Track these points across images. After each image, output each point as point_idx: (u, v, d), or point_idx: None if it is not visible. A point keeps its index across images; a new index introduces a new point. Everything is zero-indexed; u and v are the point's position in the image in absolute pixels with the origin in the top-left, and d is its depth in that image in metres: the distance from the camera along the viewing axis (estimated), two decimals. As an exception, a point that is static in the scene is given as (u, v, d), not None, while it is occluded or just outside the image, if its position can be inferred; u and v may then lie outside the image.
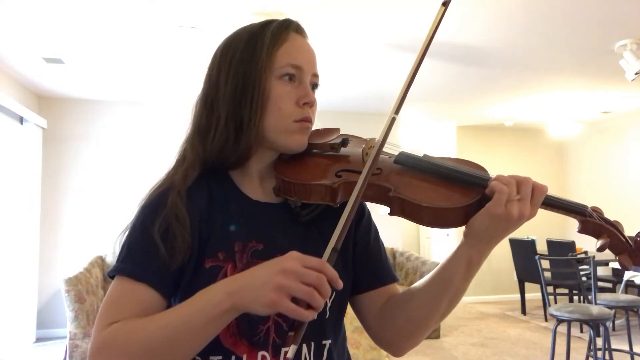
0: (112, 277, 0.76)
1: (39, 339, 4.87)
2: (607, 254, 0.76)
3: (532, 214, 0.73)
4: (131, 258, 0.75)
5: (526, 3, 2.94)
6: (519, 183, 0.73)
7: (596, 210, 0.78)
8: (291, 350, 0.61)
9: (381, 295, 0.90)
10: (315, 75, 0.86)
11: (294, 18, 0.88)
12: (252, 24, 0.86)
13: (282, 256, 0.65)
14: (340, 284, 0.64)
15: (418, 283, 0.85)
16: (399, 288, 0.91)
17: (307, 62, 0.84)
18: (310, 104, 0.83)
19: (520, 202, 0.72)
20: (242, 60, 0.82)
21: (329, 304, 0.83)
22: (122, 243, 0.77)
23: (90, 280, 4.08)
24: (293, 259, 0.64)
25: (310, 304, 0.62)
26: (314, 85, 0.86)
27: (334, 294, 0.84)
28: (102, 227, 5.11)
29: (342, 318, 0.90)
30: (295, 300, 0.62)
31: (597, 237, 0.77)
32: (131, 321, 0.70)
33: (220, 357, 0.77)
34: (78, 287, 3.78)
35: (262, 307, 0.63)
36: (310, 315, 0.62)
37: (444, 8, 0.81)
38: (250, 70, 0.81)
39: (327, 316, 0.84)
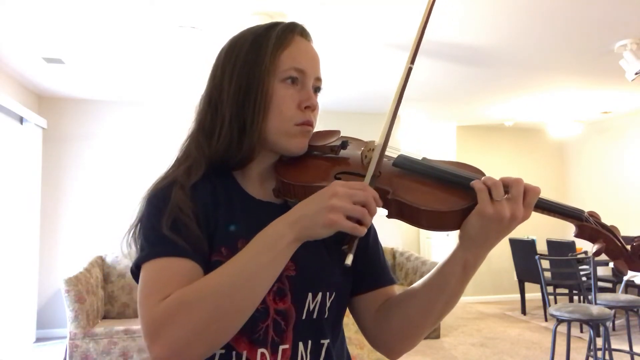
0: (138, 267, 0.74)
1: (39, 339, 4.87)
2: (606, 256, 0.76)
3: (525, 216, 0.73)
4: (159, 241, 0.74)
5: (526, 3, 2.94)
6: (508, 183, 0.72)
7: (593, 215, 0.78)
8: (349, 258, 0.68)
9: (378, 297, 0.90)
10: (318, 79, 0.86)
11: (293, 18, 0.89)
12: (257, 26, 0.87)
13: (328, 185, 0.70)
14: (380, 202, 0.70)
15: (415, 285, 0.85)
16: (398, 289, 0.91)
17: (310, 66, 0.84)
18: (312, 107, 0.84)
19: (511, 202, 0.72)
20: (246, 62, 0.82)
21: (327, 304, 0.84)
22: (141, 235, 0.76)
23: (90, 280, 4.08)
24: (339, 185, 0.69)
25: (362, 221, 0.67)
26: (317, 89, 0.87)
27: (334, 295, 0.84)
28: (102, 227, 5.11)
29: (341, 319, 0.90)
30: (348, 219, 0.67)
31: (593, 241, 0.77)
32: (191, 285, 0.69)
33: (223, 352, 0.77)
34: (78, 287, 3.78)
35: (323, 229, 0.68)
36: (363, 231, 0.67)
37: None
38: (254, 72, 0.81)
39: (326, 316, 0.84)
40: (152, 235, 0.75)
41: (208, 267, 0.75)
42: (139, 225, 0.78)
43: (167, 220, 0.74)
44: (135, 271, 0.75)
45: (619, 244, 0.77)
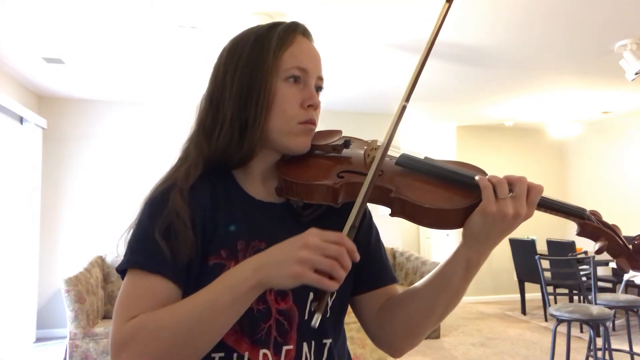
0: (121, 271, 0.75)
1: (39, 339, 4.87)
2: (608, 254, 0.77)
3: (528, 214, 0.73)
4: (142, 251, 0.75)
5: (526, 3, 2.94)
6: (512, 181, 0.73)
7: (594, 213, 0.79)
8: (315, 318, 0.65)
9: (380, 296, 0.90)
10: (320, 79, 0.87)
11: (293, 18, 0.89)
12: (258, 26, 0.87)
13: (303, 232, 0.67)
14: (357, 257, 0.66)
15: (417, 283, 0.85)
16: (399, 288, 0.91)
17: (312, 65, 0.84)
18: (315, 106, 0.84)
19: (514, 200, 0.72)
20: (248, 61, 0.82)
21: (329, 304, 0.84)
22: (128, 239, 0.77)
23: (90, 280, 4.08)
24: (313, 235, 0.66)
25: (332, 276, 0.64)
26: (319, 88, 0.87)
27: (334, 294, 0.84)
28: (102, 227, 5.11)
29: (342, 318, 0.90)
30: (318, 272, 0.64)
31: (595, 240, 0.78)
32: (156, 310, 0.70)
33: (222, 354, 0.77)
34: (78, 287, 3.78)
35: (287, 280, 0.65)
36: (333, 286, 0.64)
37: (448, 5, 0.81)
38: (257, 72, 0.81)
39: (327, 316, 0.84)
40: (135, 243, 0.76)
41: (206, 270, 0.75)
42: (133, 227, 0.79)
43: (160, 226, 0.74)
44: (120, 274, 0.77)
45: (621, 242, 0.78)
